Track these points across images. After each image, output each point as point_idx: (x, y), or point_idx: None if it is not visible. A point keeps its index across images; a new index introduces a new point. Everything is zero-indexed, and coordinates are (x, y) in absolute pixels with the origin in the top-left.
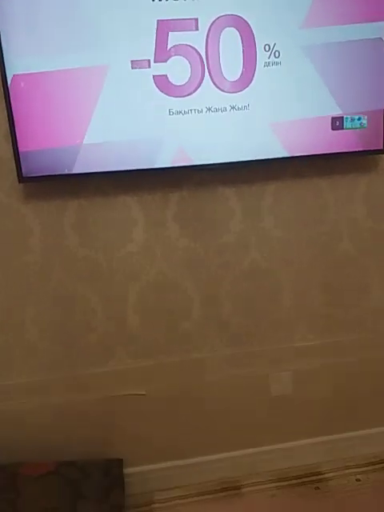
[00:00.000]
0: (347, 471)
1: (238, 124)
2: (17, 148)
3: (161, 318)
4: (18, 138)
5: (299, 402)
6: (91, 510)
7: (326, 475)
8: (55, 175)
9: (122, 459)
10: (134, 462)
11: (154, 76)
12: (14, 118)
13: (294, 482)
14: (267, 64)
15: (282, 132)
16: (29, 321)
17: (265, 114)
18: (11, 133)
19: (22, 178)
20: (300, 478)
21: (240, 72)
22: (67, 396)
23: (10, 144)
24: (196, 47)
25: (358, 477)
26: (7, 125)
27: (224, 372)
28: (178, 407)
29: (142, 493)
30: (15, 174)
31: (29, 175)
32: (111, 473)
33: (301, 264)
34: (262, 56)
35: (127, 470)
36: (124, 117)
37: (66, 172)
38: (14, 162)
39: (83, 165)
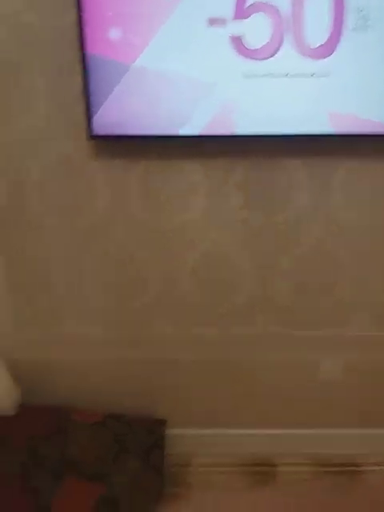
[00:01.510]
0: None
1: (316, 92)
2: (89, 104)
3: (214, 289)
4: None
5: (346, 391)
6: (132, 467)
7: (362, 468)
8: (123, 135)
9: (166, 420)
10: (177, 424)
11: (230, 36)
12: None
13: (329, 469)
14: (356, 29)
15: (364, 104)
16: (86, 277)
17: (348, 83)
18: (84, 91)
19: (91, 135)
20: (336, 467)
21: (325, 36)
22: (119, 353)
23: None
24: (278, 6)
25: None
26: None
27: (274, 351)
28: (224, 379)
29: (180, 454)
30: (85, 131)
31: (98, 133)
32: (154, 432)
33: (367, 249)
34: (351, 19)
35: (169, 431)
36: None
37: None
38: (85, 118)
39: (149, 126)
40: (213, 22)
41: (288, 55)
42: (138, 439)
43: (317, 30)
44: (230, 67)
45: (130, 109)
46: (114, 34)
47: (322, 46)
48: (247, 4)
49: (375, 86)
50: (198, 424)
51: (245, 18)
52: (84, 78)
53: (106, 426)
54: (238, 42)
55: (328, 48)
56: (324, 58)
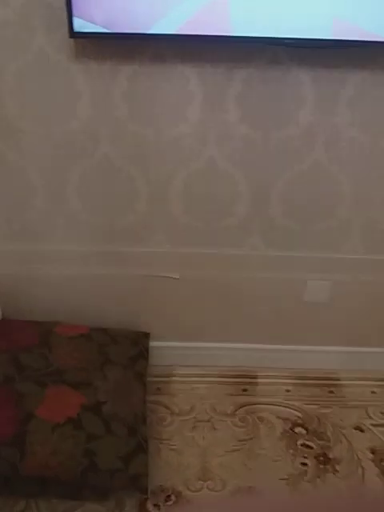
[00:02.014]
0: (364, 382)
1: None
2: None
3: (205, 208)
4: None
5: (331, 311)
6: (117, 374)
7: (343, 382)
8: (109, 33)
9: (149, 333)
10: (160, 337)
11: None
12: None
13: (310, 382)
14: None
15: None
16: (72, 191)
17: None
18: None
19: (73, 33)
20: (316, 380)
21: None
22: (104, 269)
23: None
24: None
25: (374, 390)
26: None
27: (262, 271)
28: (209, 295)
29: (164, 366)
30: (66, 27)
31: (81, 30)
32: (138, 343)
33: (368, 172)
34: None
35: (153, 343)
36: None
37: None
38: (66, 13)
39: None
40: None
41: None
42: (122, 350)
43: None
44: None
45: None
46: None
47: None
48: None
49: None
50: (183, 337)
51: None
52: None
53: (89, 338)
54: None
55: None
56: None
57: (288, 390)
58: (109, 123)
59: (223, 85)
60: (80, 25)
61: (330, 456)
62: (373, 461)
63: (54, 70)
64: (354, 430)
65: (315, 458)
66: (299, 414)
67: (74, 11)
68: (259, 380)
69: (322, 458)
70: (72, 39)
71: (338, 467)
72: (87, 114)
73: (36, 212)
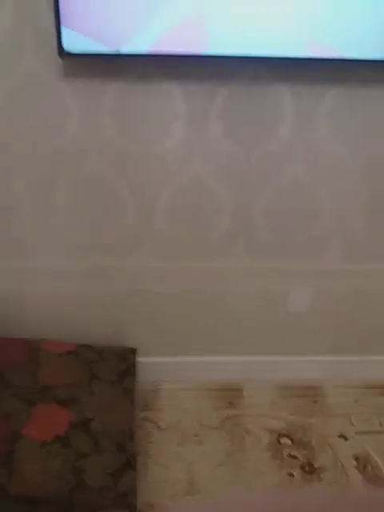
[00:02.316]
0: (347, 390)
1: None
2: (58, 18)
3: (190, 222)
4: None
5: (313, 321)
6: (104, 390)
7: (326, 391)
8: (98, 54)
9: (136, 349)
10: (146, 353)
11: None
12: None
13: (295, 392)
14: None
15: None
16: (59, 206)
17: (345, 3)
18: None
19: (62, 53)
20: (301, 390)
21: None
22: (90, 284)
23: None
24: None
25: (357, 398)
26: None
27: (245, 283)
28: (194, 308)
29: (151, 381)
30: (55, 46)
31: (70, 51)
32: (125, 359)
33: (348, 185)
34: None
35: (140, 359)
36: None
37: (112, 51)
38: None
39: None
40: None
41: None
42: (110, 366)
43: None
44: None
45: (103, 23)
46: None
47: None
48: None
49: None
50: (169, 352)
51: None
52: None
53: (77, 354)
54: None
55: None
56: None
57: (273, 402)
58: (96, 139)
59: (206, 102)
60: (70, 39)
61: (316, 465)
62: (356, 468)
63: (43, 89)
64: (338, 439)
65: (301, 467)
66: (284, 425)
67: (63, 30)
68: (244, 392)
69: (307, 468)
70: (60, 59)
71: (323, 476)
72: (75, 130)
73: (22, 228)
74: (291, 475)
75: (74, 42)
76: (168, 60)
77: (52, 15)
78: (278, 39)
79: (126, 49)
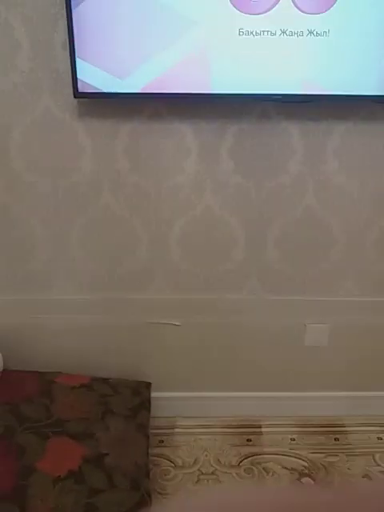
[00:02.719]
0: (370, 428)
1: (313, 52)
2: (74, 59)
3: (203, 254)
4: (75, 48)
5: (331, 356)
6: (119, 425)
7: (348, 429)
8: (110, 93)
9: (150, 383)
10: (162, 388)
11: None
12: (74, 27)
13: (315, 429)
14: None
15: (360, 64)
16: (74, 240)
17: (345, 42)
18: (69, 42)
19: (77, 94)
20: (321, 427)
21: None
22: (105, 317)
23: (68, 54)
24: None
25: (381, 436)
26: (66, 34)
27: (260, 316)
28: (209, 341)
29: (166, 417)
30: (70, 88)
31: (84, 91)
32: (140, 394)
33: (359, 217)
34: None
35: (154, 394)
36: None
37: (124, 91)
38: (70, 74)
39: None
40: None
41: (285, 9)
42: (124, 401)
43: None
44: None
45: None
46: None
47: None
48: None
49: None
50: (184, 387)
51: None
52: (69, 31)
53: (91, 388)
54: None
55: (326, 1)
56: (321, 13)
57: (293, 439)
58: (110, 175)
59: (217, 139)
60: (84, 73)
61: None
62: None
63: (59, 128)
64: (362, 479)
65: None
66: (305, 464)
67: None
68: (263, 429)
69: None
70: (75, 100)
71: None
72: (90, 167)
73: (38, 262)
74: None
75: (87, 76)
76: (177, 99)
77: (67, 55)
78: (283, 78)
79: (130, 80)
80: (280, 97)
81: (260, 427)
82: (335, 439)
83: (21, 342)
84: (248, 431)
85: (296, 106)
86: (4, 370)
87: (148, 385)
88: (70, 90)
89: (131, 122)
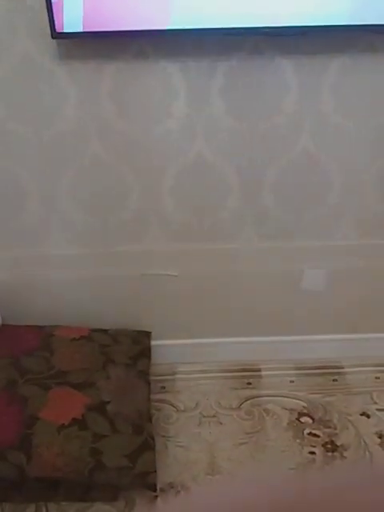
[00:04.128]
0: (367, 369)
1: None
2: None
3: (197, 203)
4: None
5: (329, 299)
6: (120, 373)
7: (346, 370)
8: (92, 32)
9: (150, 332)
10: (162, 336)
11: None
12: None
13: (313, 371)
14: None
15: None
16: (64, 193)
17: None
18: None
19: (55, 34)
20: (319, 369)
21: None
22: (101, 270)
23: None
24: None
25: (378, 375)
26: None
27: (257, 264)
28: (207, 290)
29: (166, 364)
30: (48, 28)
31: (63, 30)
32: (140, 342)
33: (357, 158)
34: None
35: (154, 342)
36: None
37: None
38: (46, 13)
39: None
40: None
41: None
42: (124, 350)
43: None
44: None
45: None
46: None
47: None
48: None
49: None
50: (184, 335)
51: None
52: None
53: (90, 339)
54: None
55: None
56: None
57: (292, 381)
58: (96, 123)
59: (206, 78)
60: (62, 23)
61: (338, 443)
62: (380, 445)
63: (39, 73)
64: (359, 416)
65: (323, 446)
66: (304, 404)
67: (55, 9)
68: (262, 373)
69: (329, 446)
70: (55, 41)
71: (345, 454)
72: (74, 114)
73: (30, 216)
74: (313, 454)
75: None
76: (163, 36)
77: None
78: (276, 9)
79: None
80: (271, 30)
81: (259, 371)
82: (333, 380)
83: (18, 297)
84: (247, 375)
85: (289, 39)
86: (2, 324)
87: (148, 334)
88: (48, 31)
89: (115, 62)
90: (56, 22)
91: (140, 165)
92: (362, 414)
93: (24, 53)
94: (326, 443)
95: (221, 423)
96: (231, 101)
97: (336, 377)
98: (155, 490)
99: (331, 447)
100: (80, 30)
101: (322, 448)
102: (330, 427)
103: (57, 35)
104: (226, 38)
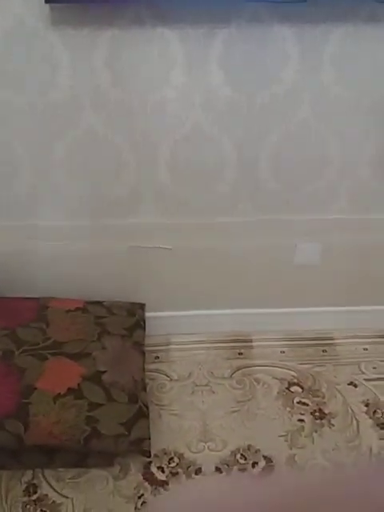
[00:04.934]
0: (356, 340)
1: None
2: None
3: (193, 176)
4: None
5: (321, 273)
6: (115, 344)
7: (335, 341)
8: None
9: (144, 304)
10: (155, 308)
11: None
12: None
13: (304, 342)
14: None
15: None
16: (56, 164)
17: None
18: None
19: None
20: (310, 340)
21: None
22: (96, 242)
23: None
24: None
25: (366, 346)
26: None
27: (252, 236)
28: (201, 263)
29: (161, 335)
30: None
31: None
32: (134, 314)
33: (356, 130)
34: None
35: (148, 314)
36: None
37: None
38: None
39: None
40: None
41: None
42: (119, 321)
43: None
44: None
45: None
46: None
47: None
48: None
49: None
50: (177, 306)
51: None
52: None
53: (86, 310)
54: None
55: None
56: None
57: (283, 352)
58: (91, 91)
59: (205, 46)
60: None
61: (326, 411)
62: (366, 413)
63: (31, 39)
64: (347, 386)
65: (311, 414)
66: (294, 374)
67: None
68: (254, 343)
69: (317, 414)
70: (48, 6)
71: (333, 421)
72: (68, 82)
73: (22, 187)
74: (302, 421)
75: None
76: (160, 2)
77: None
78: None
79: None
80: None
81: (251, 342)
82: (323, 351)
83: (12, 269)
84: (239, 345)
85: (290, 6)
86: None
87: (142, 306)
88: None
89: (111, 29)
90: None
91: (135, 135)
92: (349, 384)
93: (16, 18)
94: (315, 411)
95: (213, 392)
96: (229, 70)
97: (326, 348)
98: (149, 456)
99: (319, 415)
100: None
101: (311, 416)
102: (318, 396)
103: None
104: (225, 5)
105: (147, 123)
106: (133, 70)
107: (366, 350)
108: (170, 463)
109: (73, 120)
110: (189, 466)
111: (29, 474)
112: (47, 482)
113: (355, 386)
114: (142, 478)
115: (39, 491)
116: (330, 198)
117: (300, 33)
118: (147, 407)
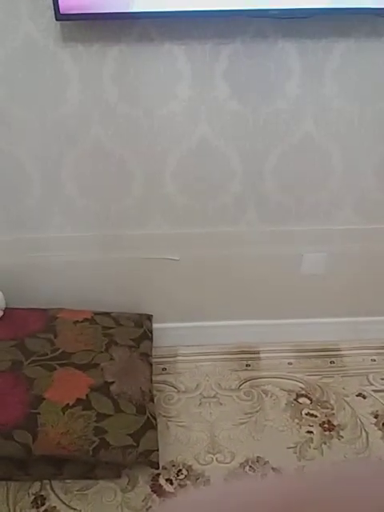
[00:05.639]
0: (364, 351)
1: None
2: None
3: (199, 187)
4: None
5: (328, 283)
6: (123, 355)
7: (343, 352)
8: (96, 13)
9: (152, 315)
10: (163, 319)
11: None
12: None
13: (311, 353)
14: None
15: None
16: (67, 177)
17: None
18: None
19: (58, 16)
20: (317, 352)
21: None
22: (104, 254)
23: None
24: None
25: (374, 357)
26: None
27: (258, 247)
28: (208, 274)
29: (168, 346)
30: (51, 11)
31: (67, 12)
32: (142, 325)
33: (358, 142)
34: None
35: (156, 325)
36: None
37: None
38: None
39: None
40: None
41: None
42: (127, 332)
43: None
44: None
45: None
46: None
47: None
48: None
49: None
50: (185, 318)
51: None
52: None
53: (94, 321)
54: None
55: None
56: None
57: (290, 363)
58: (99, 106)
59: (211, 61)
60: (66, 6)
61: (335, 423)
62: (376, 425)
63: (42, 55)
64: (356, 397)
65: (320, 425)
66: (302, 385)
67: None
68: (261, 355)
69: (326, 425)
70: (58, 23)
71: (342, 433)
72: (77, 97)
73: (32, 200)
74: (310, 433)
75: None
76: (167, 19)
77: None
78: None
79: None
80: (276, 12)
81: (258, 353)
82: (331, 362)
83: (21, 281)
84: (247, 357)
85: (293, 22)
86: (7, 308)
87: (149, 317)
88: (52, 13)
89: (118, 45)
90: (60, 4)
91: (143, 148)
92: (358, 395)
93: (27, 35)
94: (324, 423)
95: (221, 404)
96: (235, 84)
97: (333, 359)
98: (158, 468)
99: (328, 427)
100: (84, 11)
101: (320, 427)
102: (327, 408)
103: (61, 17)
104: (231, 21)
105: (154, 136)
106: (140, 85)
107: (374, 361)
108: (178, 475)
109: (82, 134)
110: (197, 478)
111: (37, 485)
112: (55, 493)
113: (364, 397)
114: (150, 489)
115: (47, 503)
116: (336, 209)
117: (303, 48)
118: (155, 418)
